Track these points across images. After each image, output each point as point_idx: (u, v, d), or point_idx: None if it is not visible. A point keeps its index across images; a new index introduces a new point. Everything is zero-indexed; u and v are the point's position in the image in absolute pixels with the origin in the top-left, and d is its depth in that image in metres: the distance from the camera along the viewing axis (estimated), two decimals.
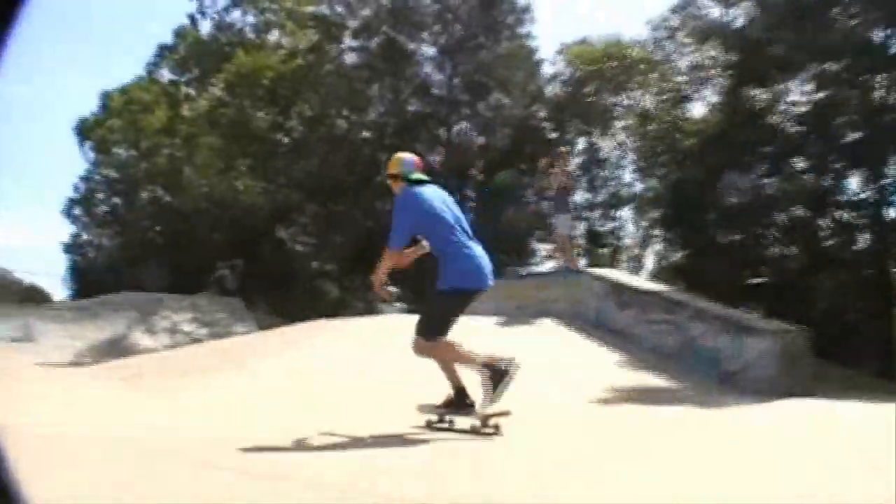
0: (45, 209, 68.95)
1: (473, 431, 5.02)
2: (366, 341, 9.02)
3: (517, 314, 10.37)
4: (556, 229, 12.40)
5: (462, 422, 5.13)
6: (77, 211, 37.37)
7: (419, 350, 5.17)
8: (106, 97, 35.69)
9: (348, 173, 25.51)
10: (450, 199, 5.45)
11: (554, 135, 25.04)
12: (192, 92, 32.40)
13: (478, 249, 5.27)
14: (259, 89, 27.46)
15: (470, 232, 5.34)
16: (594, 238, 25.80)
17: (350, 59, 27.98)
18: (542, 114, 26.16)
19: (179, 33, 32.40)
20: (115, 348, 16.12)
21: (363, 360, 8.18)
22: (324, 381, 7.43)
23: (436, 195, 5.35)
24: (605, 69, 23.91)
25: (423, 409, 5.36)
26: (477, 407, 5.09)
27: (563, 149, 14.35)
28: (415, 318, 5.36)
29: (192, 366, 8.72)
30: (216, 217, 26.25)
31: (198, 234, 26.78)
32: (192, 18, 31.29)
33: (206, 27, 31.77)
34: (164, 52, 33.31)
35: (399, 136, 26.19)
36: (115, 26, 59.48)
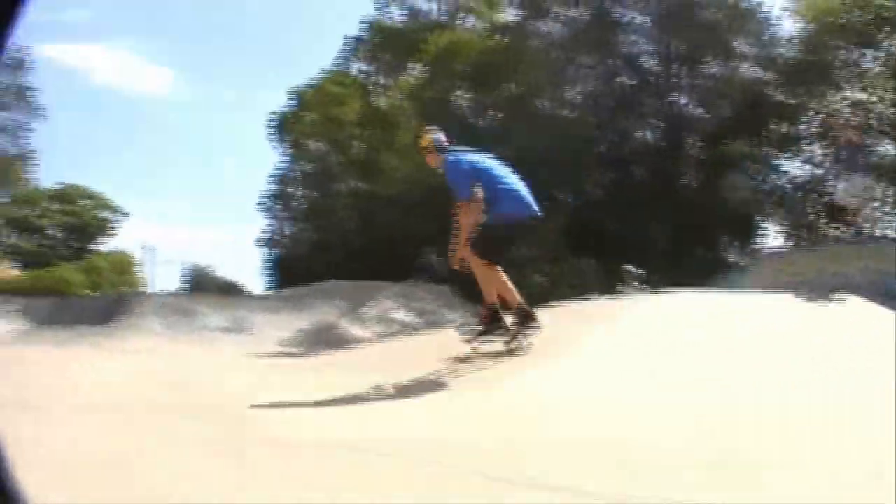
0: (236, 206, 73.38)
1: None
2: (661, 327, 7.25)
3: (810, 290, 8.83)
4: (844, 191, 11.71)
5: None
6: (273, 205, 38.79)
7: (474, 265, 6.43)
8: (297, 94, 37.67)
9: (555, 154, 25.20)
10: (483, 157, 6.67)
11: (788, 100, 23.33)
12: (384, 81, 33.64)
13: (521, 187, 6.57)
14: (459, 69, 27.04)
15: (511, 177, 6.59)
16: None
17: (557, 32, 27.23)
18: (772, 77, 24.26)
19: (371, 24, 33.18)
20: (326, 337, 16.16)
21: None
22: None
23: (468, 153, 6.65)
24: (847, 20, 21.78)
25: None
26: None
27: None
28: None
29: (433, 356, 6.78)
30: (417, 203, 26.32)
31: (399, 221, 26.80)
32: (382, 8, 32.43)
33: (396, 16, 32.75)
34: (354, 44, 34.66)
35: (611, 111, 25.76)
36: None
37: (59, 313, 17.78)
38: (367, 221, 29.77)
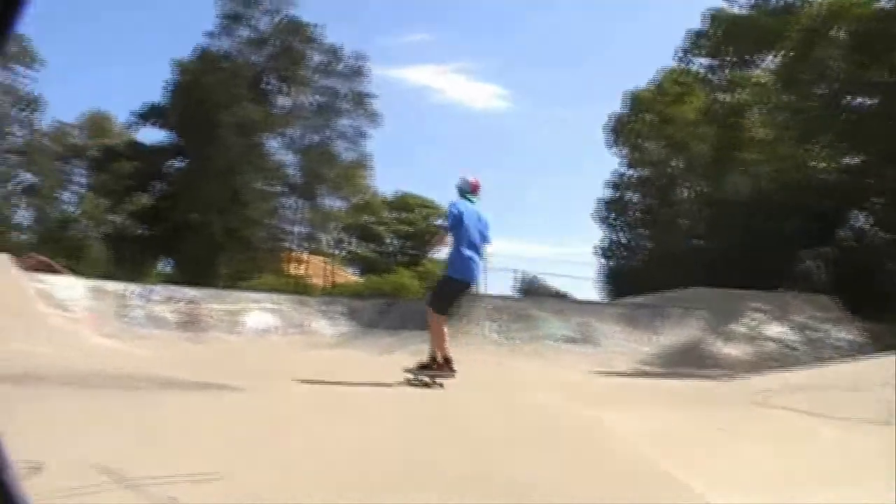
0: (562, 221, 75.02)
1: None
2: None
3: None
4: None
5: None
6: (609, 213, 38.98)
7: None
8: (633, 96, 36.92)
9: None
10: (478, 215, 8.51)
11: None
12: (729, 74, 31.80)
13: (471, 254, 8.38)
14: (839, 38, 24.60)
15: (477, 243, 8.44)
16: None
17: None
18: None
19: (713, 16, 32.15)
20: (689, 355, 14.84)
21: None
22: None
23: (467, 208, 8.48)
24: None
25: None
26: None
27: None
28: None
29: None
30: (783, 202, 24.33)
31: (760, 223, 25.36)
32: None
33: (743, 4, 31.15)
34: (694, 38, 33.21)
35: None
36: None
37: (385, 316, 18.91)
38: (714, 225, 28.44)
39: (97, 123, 45.20)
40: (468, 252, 8.39)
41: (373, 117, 41.93)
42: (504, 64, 73.70)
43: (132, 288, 16.72)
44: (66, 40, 58.15)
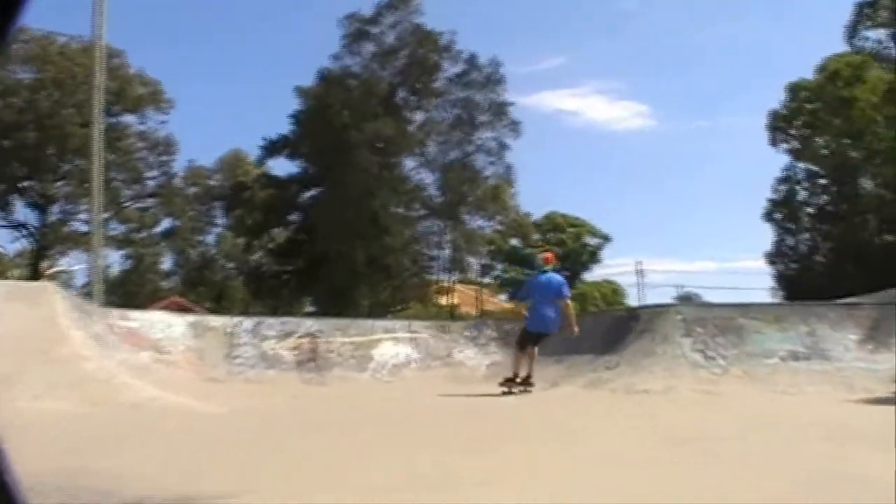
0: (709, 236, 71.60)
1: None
2: None
3: None
4: None
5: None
6: (778, 215, 35.50)
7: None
8: (794, 87, 33.37)
9: None
10: (547, 282, 11.61)
11: None
12: None
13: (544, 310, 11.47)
14: None
15: (549, 300, 11.50)
16: None
17: None
18: None
19: None
20: None
21: None
22: None
23: (537, 280, 11.82)
24: None
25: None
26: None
27: None
28: None
29: None
30: None
31: None
32: None
33: None
34: (865, 9, 28.96)
35: None
36: None
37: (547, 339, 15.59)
38: None
39: (232, 162, 45.03)
40: (542, 309, 11.43)
41: (514, 127, 39.11)
42: (640, 80, 74.29)
43: (241, 322, 14.41)
44: (194, 80, 59.85)
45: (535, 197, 77.40)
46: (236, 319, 14.70)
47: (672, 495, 4.20)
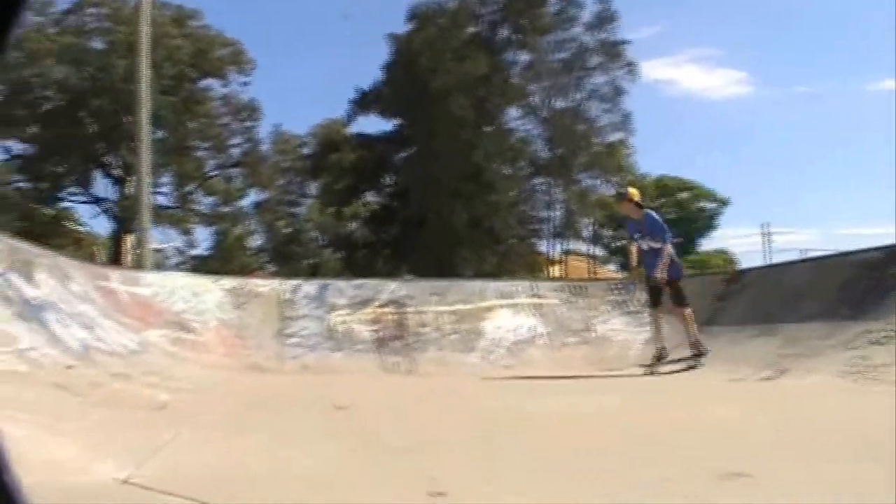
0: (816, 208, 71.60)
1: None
2: None
3: None
4: None
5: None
6: None
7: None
8: None
9: None
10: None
11: None
12: None
13: None
14: None
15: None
16: None
17: None
18: None
19: None
20: None
21: None
22: None
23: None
24: None
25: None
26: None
27: None
28: None
29: None
30: None
31: None
32: None
33: None
34: None
35: None
36: None
37: (731, 303, 11.16)
38: None
39: (324, 129, 41.70)
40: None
41: (631, 69, 34.27)
42: (741, 46, 70.34)
43: (299, 287, 10.70)
44: (280, 43, 57.20)
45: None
46: (293, 283, 10.99)
47: None
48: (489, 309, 11.66)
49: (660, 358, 8.97)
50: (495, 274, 33.08)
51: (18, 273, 5.62)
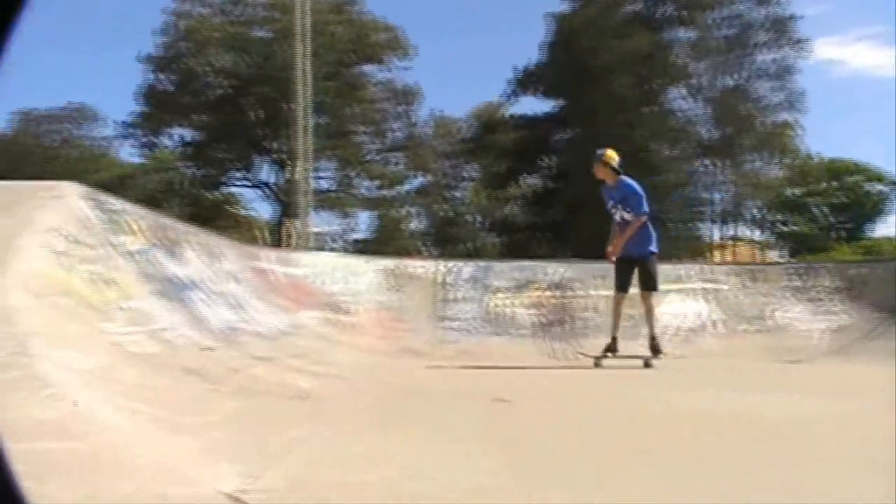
0: None
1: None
2: None
3: None
4: None
5: None
6: None
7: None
8: None
9: None
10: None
11: None
12: None
13: None
14: None
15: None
16: None
17: None
18: None
19: None
20: None
21: None
22: None
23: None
24: None
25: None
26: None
27: None
28: None
29: None
30: None
31: None
32: None
33: None
34: None
35: None
36: None
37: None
38: None
39: (483, 111, 41.26)
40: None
41: (800, 46, 31.57)
42: None
43: (457, 268, 10.14)
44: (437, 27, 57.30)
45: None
46: (450, 264, 10.46)
47: None
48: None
49: (610, 350, 8.06)
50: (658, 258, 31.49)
51: (163, 250, 5.35)
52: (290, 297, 7.94)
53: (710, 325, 10.37)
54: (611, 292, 9.41)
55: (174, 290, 5.13)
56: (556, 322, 9.92)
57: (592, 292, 10.40)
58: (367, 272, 9.57)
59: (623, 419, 4.41)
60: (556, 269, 10.75)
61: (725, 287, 10.98)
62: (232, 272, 6.87)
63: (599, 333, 9.74)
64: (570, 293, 10.29)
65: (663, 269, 11.36)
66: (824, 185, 41.59)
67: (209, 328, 5.16)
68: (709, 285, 11.02)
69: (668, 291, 10.60)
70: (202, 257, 6.17)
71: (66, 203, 4.48)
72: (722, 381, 6.75)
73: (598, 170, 8.60)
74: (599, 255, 9.00)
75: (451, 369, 7.36)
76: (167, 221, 5.99)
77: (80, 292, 3.82)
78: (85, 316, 3.64)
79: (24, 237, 3.78)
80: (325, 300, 8.57)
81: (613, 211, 8.46)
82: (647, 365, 7.75)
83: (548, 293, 10.31)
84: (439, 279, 9.94)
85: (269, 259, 8.38)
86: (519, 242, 34.77)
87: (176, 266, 5.48)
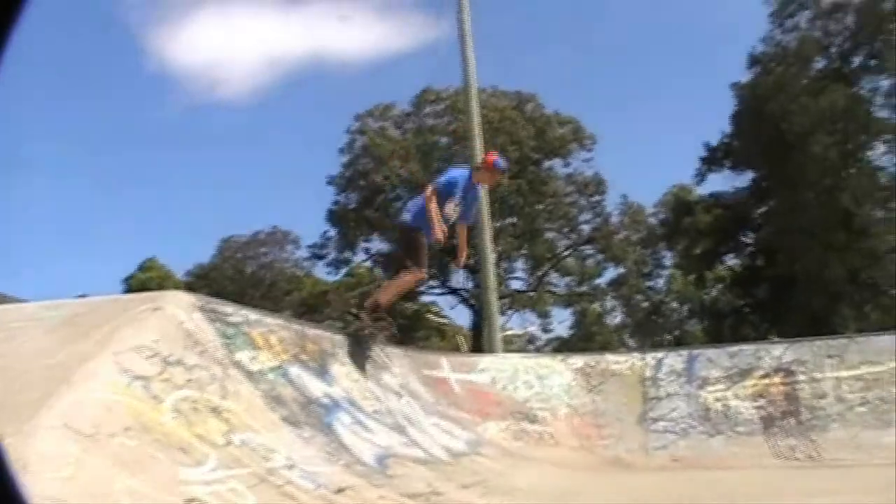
0: None
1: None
2: None
3: None
4: None
5: None
6: None
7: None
8: None
9: None
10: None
11: None
12: None
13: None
14: None
15: None
16: None
17: None
18: None
19: None
20: None
21: None
22: None
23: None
24: None
25: None
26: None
27: None
28: None
29: None
30: None
31: None
32: None
33: None
34: None
35: None
36: None
37: None
38: None
39: (674, 194, 39.12)
40: None
41: None
42: None
43: (663, 360, 8.57)
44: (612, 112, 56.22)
45: None
46: (654, 356, 8.95)
47: None
48: None
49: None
50: (881, 327, 27.63)
51: (303, 366, 4.51)
52: (470, 408, 6.89)
53: None
54: (843, 372, 7.57)
55: (313, 415, 4.25)
56: (784, 414, 8.12)
57: (822, 375, 8.52)
58: (561, 372, 8.33)
59: None
60: (777, 352, 8.94)
61: None
62: (398, 385, 5.94)
63: (836, 424, 7.87)
64: (796, 378, 8.46)
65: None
66: None
67: (356, 459, 4.18)
68: None
69: None
70: (356, 371, 5.29)
71: (166, 316, 3.78)
72: None
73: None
74: (821, 333, 7.11)
75: (665, 482, 5.90)
76: (313, 332, 5.19)
77: (160, 427, 3.01)
78: (154, 460, 2.79)
79: (97, 361, 3.04)
80: (512, 408, 7.42)
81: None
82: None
83: (770, 380, 8.54)
84: (643, 374, 8.49)
85: (447, 366, 7.40)
86: (725, 328, 31.91)
87: (320, 384, 4.61)
